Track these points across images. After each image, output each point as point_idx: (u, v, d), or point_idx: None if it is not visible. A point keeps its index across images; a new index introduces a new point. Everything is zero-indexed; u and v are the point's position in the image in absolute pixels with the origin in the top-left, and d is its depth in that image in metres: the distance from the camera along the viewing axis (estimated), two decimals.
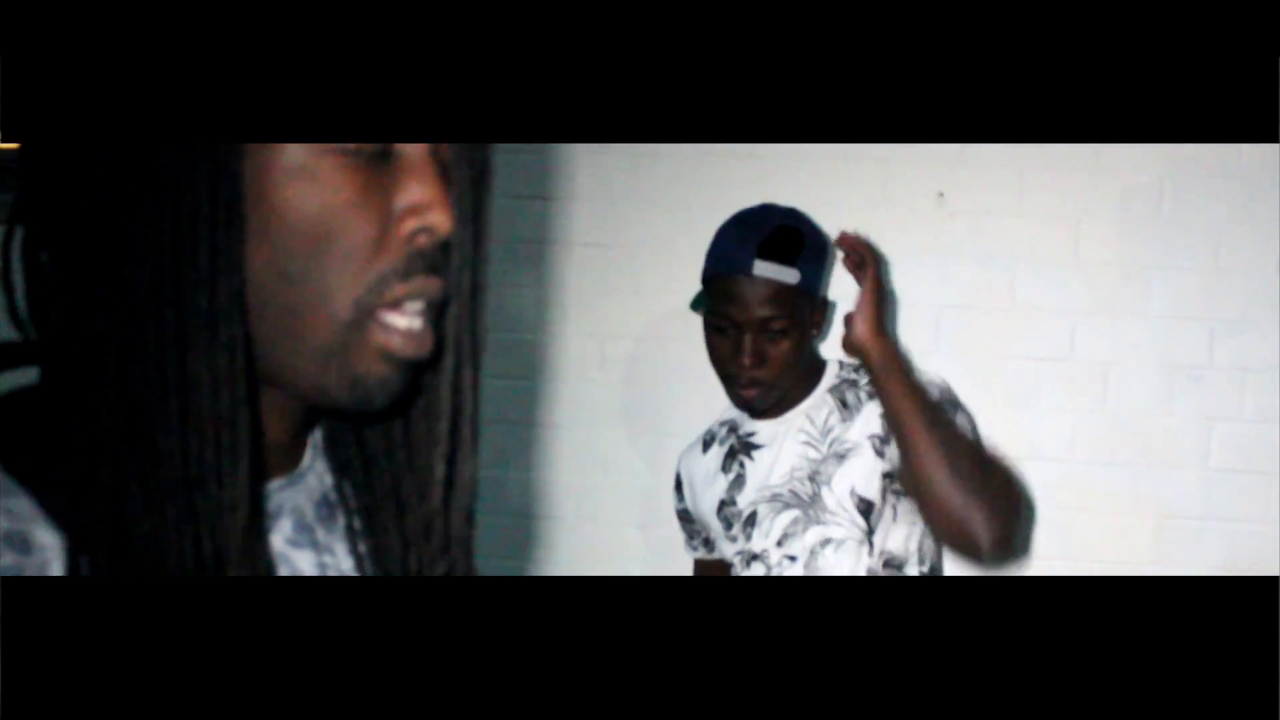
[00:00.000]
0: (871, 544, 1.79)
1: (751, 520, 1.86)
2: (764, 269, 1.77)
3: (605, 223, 2.55)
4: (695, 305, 1.91)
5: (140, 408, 0.56)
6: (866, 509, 1.79)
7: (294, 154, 0.59)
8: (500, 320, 2.32)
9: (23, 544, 0.57)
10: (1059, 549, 2.40)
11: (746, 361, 1.78)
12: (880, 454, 1.79)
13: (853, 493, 1.79)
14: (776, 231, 1.80)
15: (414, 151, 0.63)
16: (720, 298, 1.80)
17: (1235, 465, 2.37)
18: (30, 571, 0.57)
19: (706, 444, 1.98)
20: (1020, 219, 2.43)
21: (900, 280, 2.42)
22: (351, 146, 0.61)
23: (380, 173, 0.62)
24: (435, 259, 0.64)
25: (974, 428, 1.82)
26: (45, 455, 0.60)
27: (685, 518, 2.03)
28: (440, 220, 0.62)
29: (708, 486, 1.95)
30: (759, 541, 1.85)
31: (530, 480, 2.61)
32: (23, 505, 0.59)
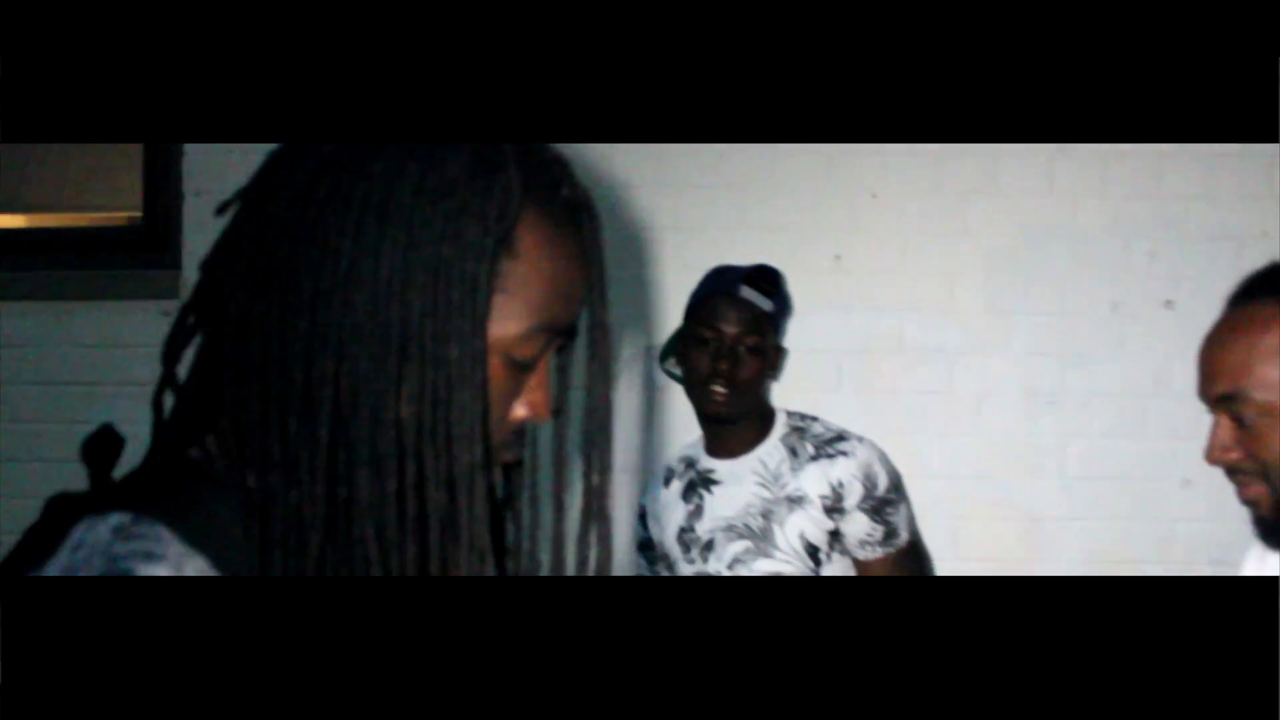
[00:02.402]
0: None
1: (709, 546, 2.15)
2: (747, 292, 2.13)
3: None
4: (664, 355, 2.25)
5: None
6: (813, 552, 2.11)
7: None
8: None
9: None
10: (948, 551, 2.75)
11: (724, 366, 2.09)
12: (829, 513, 2.10)
13: (802, 537, 2.10)
14: (759, 268, 2.18)
15: (540, 364, 0.87)
16: (707, 315, 2.13)
17: (1088, 474, 2.76)
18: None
19: (667, 479, 2.27)
20: (904, 275, 2.80)
21: (807, 331, 2.71)
22: (518, 357, 0.83)
23: (523, 376, 0.86)
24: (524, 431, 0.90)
25: (909, 511, 2.20)
26: (215, 520, 0.77)
27: (646, 546, 2.31)
28: (545, 415, 0.88)
29: (670, 515, 2.22)
30: (714, 565, 2.13)
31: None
32: (201, 565, 0.76)
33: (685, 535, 2.19)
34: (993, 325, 2.82)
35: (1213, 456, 1.39)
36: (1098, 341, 2.77)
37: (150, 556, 0.75)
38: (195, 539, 0.77)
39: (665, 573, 2.27)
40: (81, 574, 0.74)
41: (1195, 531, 2.72)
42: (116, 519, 0.77)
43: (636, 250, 2.86)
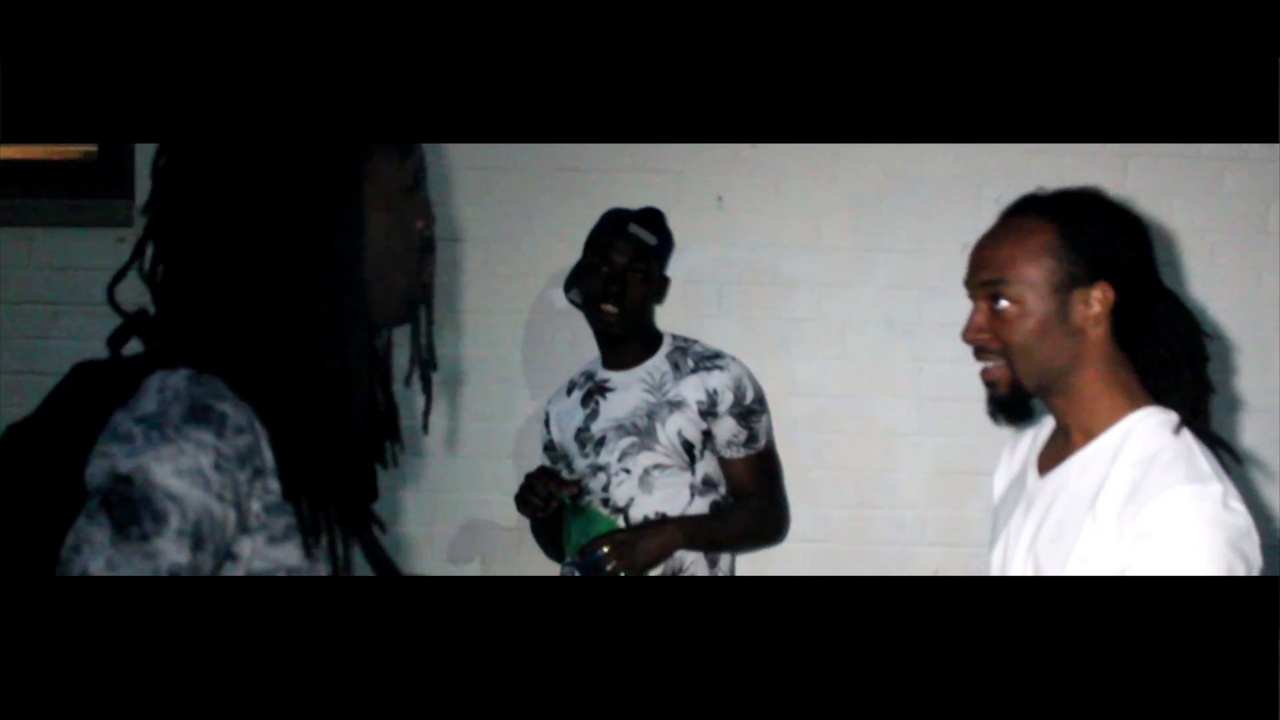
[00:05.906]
0: (694, 470, 2.50)
1: (601, 442, 2.52)
2: (635, 229, 2.52)
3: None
4: (568, 285, 2.60)
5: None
6: (689, 448, 2.49)
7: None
8: None
9: (251, 428, 0.98)
10: (815, 462, 3.08)
11: (614, 289, 2.48)
12: (703, 416, 2.47)
13: (679, 434, 2.48)
14: (646, 210, 2.58)
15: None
16: (601, 247, 2.52)
17: (940, 395, 3.05)
18: (257, 449, 0.97)
19: (569, 389, 2.64)
20: (777, 215, 3.10)
21: (691, 265, 3.05)
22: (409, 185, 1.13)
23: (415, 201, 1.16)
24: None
25: (769, 422, 2.53)
26: (262, 379, 0.97)
27: (550, 448, 2.66)
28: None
29: (570, 419, 2.59)
30: (605, 457, 2.50)
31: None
32: (249, 411, 0.98)
33: (582, 434, 2.56)
34: (857, 260, 3.11)
35: (967, 336, 1.69)
36: (949, 277, 2.85)
37: (220, 397, 0.96)
38: (239, 390, 0.99)
39: (565, 471, 2.62)
40: (173, 410, 0.94)
41: None
42: (186, 371, 0.98)
43: (549, 189, 3.16)
